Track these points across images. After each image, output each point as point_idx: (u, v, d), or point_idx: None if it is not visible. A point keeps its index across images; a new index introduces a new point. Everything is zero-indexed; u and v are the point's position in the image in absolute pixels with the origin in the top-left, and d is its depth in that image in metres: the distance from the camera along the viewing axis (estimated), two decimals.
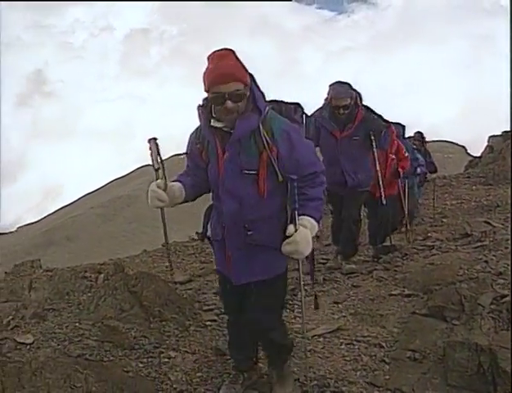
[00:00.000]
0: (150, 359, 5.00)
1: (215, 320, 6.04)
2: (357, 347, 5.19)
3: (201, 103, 3.85)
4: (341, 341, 5.36)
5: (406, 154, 9.23)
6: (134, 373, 4.71)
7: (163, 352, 5.14)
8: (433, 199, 13.64)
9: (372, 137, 7.63)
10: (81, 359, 4.77)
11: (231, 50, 3.63)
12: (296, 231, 3.75)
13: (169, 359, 5.03)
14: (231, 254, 4.01)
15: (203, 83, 3.64)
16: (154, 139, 3.75)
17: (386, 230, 9.34)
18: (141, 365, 4.89)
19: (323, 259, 8.62)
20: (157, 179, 3.76)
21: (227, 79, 3.53)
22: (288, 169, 3.77)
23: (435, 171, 13.29)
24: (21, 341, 5.09)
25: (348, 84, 7.46)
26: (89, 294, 6.51)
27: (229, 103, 3.56)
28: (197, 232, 11.49)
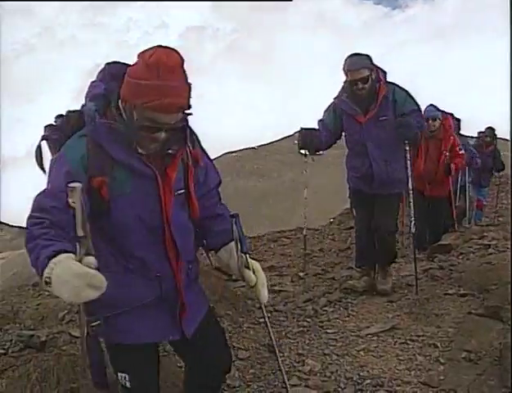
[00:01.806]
0: None
1: (269, 317, 6.02)
2: (411, 347, 5.13)
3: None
4: (395, 340, 5.30)
5: (462, 151, 9.08)
6: None
7: None
8: (497, 197, 13.50)
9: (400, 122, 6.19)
10: None
11: (177, 53, 2.60)
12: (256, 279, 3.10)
13: None
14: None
15: (131, 94, 2.58)
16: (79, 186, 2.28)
17: (437, 231, 9.32)
18: None
19: None
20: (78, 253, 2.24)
21: (174, 110, 2.60)
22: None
23: (502, 169, 13.09)
24: (76, 334, 5.17)
25: (367, 56, 6.18)
26: None
27: (162, 135, 2.64)
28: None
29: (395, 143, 6.39)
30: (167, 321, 2.93)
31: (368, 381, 4.55)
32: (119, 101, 2.65)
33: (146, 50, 2.56)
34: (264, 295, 3.13)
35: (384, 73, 6.31)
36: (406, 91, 6.34)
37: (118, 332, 2.79)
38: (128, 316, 2.79)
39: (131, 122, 2.59)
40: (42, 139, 2.77)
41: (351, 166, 6.74)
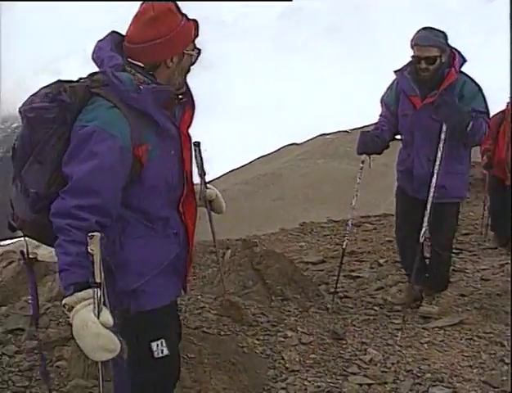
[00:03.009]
0: (266, 337, 5.07)
1: (337, 303, 6.03)
2: (477, 343, 5.02)
3: None
4: (462, 335, 5.20)
5: None
6: (249, 349, 4.80)
7: (280, 331, 5.20)
8: None
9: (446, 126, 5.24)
10: (198, 331, 4.91)
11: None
12: None
13: (285, 338, 5.08)
14: None
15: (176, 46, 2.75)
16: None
17: None
18: (256, 342, 4.97)
19: (457, 248, 8.26)
20: None
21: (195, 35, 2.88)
22: None
23: None
24: None
25: (443, 33, 5.30)
26: (214, 268, 6.69)
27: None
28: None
29: (450, 142, 5.30)
30: (179, 277, 3.04)
31: (428, 375, 4.49)
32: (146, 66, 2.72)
33: (142, 11, 2.70)
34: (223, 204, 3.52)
35: (463, 60, 5.42)
36: (480, 87, 5.40)
37: (150, 297, 2.80)
38: (157, 279, 2.82)
39: (182, 75, 2.82)
40: (28, 123, 2.60)
41: (399, 157, 5.93)
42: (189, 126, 2.94)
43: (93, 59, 2.73)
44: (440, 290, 5.98)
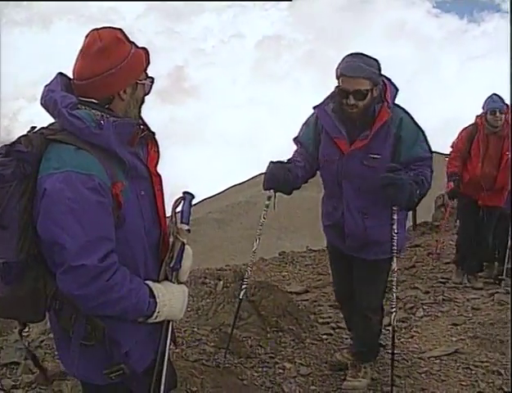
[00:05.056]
0: (264, 369, 5.08)
1: (331, 334, 6.06)
2: (474, 372, 5.09)
3: None
4: (458, 364, 5.26)
5: None
6: (249, 382, 4.81)
7: (278, 363, 5.21)
8: None
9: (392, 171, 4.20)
10: (198, 363, 4.90)
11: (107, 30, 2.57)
12: None
13: (284, 370, 5.10)
14: None
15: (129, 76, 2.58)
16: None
17: (493, 247, 8.10)
18: (255, 374, 4.97)
19: (443, 278, 8.37)
20: None
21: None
22: None
23: None
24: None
25: (375, 61, 4.28)
26: (208, 300, 6.68)
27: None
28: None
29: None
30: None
31: None
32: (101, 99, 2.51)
33: (88, 44, 2.50)
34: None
35: (395, 90, 4.50)
36: (418, 126, 4.45)
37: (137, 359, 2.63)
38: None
39: (137, 107, 2.64)
40: None
41: (324, 210, 4.95)
42: (156, 163, 2.72)
43: (43, 104, 2.48)
44: (367, 360, 5.08)
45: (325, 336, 5.94)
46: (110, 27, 2.56)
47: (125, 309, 2.39)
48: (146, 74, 2.65)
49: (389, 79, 4.45)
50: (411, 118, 4.44)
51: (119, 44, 2.50)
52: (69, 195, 2.24)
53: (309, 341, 5.81)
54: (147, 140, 2.69)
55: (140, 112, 2.68)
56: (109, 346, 2.46)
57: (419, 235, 11.65)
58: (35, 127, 2.50)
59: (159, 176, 2.71)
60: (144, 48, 2.63)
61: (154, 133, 2.71)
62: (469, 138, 7.58)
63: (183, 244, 2.71)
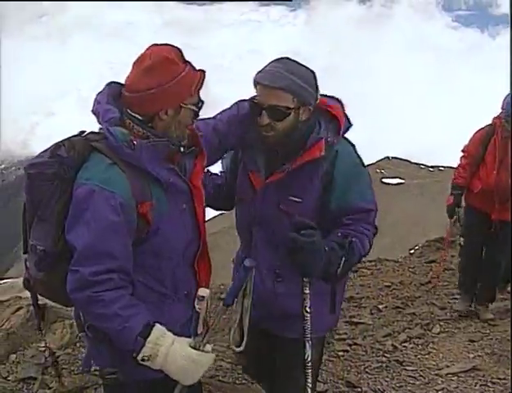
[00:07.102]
0: None
1: (347, 351, 6.04)
2: (492, 389, 5.06)
3: None
4: (476, 381, 5.22)
5: None
6: None
7: None
8: None
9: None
10: (214, 380, 4.91)
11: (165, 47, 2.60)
12: None
13: None
14: None
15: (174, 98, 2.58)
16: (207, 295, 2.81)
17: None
18: None
19: (459, 293, 8.23)
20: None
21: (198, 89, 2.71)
22: None
23: None
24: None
25: (311, 72, 3.12)
26: (224, 316, 6.66)
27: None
28: None
29: None
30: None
31: None
32: (142, 118, 2.57)
33: (141, 59, 2.56)
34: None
35: (348, 124, 3.29)
36: (363, 164, 3.30)
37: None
38: None
39: (180, 128, 2.63)
40: (30, 179, 2.53)
41: (237, 255, 3.72)
42: (201, 177, 2.80)
43: (93, 113, 2.64)
44: None
45: (341, 353, 5.92)
46: (169, 45, 2.59)
47: (108, 330, 2.47)
48: (199, 97, 2.67)
49: (330, 97, 3.30)
50: (355, 152, 3.27)
51: (166, 65, 2.51)
52: (88, 207, 2.42)
53: (325, 357, 5.77)
54: (195, 155, 2.79)
55: (185, 133, 2.69)
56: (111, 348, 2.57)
57: (435, 250, 11.54)
58: (84, 131, 2.63)
59: (201, 189, 2.77)
60: (201, 70, 2.64)
61: (202, 149, 2.80)
62: (483, 142, 6.53)
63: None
